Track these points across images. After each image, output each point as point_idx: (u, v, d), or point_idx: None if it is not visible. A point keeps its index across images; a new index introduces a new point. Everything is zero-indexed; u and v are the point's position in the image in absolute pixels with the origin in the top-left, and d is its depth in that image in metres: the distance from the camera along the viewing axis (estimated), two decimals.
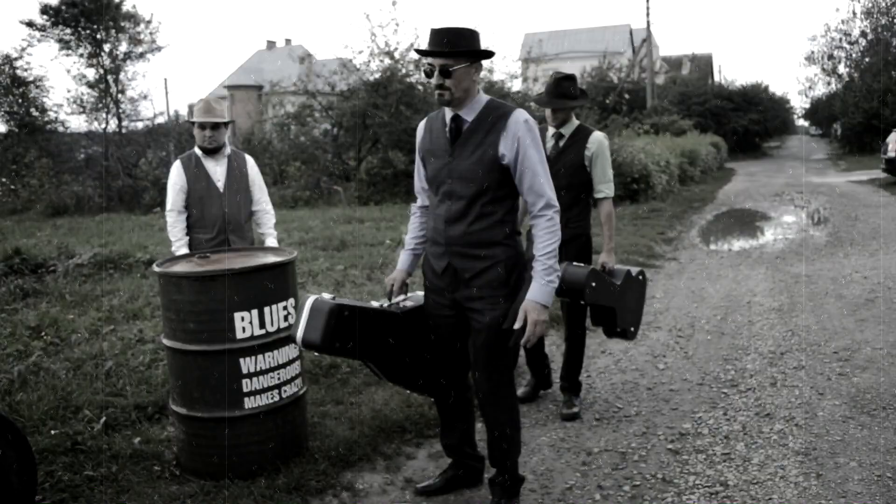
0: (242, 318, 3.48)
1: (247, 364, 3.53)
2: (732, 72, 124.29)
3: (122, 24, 24.17)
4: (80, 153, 23.22)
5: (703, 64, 53.84)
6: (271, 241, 4.81)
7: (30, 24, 23.58)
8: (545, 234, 3.04)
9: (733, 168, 25.98)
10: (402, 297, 3.36)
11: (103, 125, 23.57)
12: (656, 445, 3.98)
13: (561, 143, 4.33)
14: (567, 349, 4.49)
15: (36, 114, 23.44)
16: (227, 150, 4.74)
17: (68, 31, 23.79)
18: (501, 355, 3.13)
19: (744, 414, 4.35)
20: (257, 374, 3.56)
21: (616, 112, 27.05)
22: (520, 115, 3.01)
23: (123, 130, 23.73)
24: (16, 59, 23.61)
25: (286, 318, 3.63)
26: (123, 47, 24.39)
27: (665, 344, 5.80)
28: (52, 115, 23.88)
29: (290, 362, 3.70)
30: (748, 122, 35.75)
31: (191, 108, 26.10)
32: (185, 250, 4.53)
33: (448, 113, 3.11)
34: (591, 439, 4.08)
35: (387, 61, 18.61)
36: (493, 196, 3.05)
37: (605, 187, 4.31)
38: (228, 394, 3.52)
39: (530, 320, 2.93)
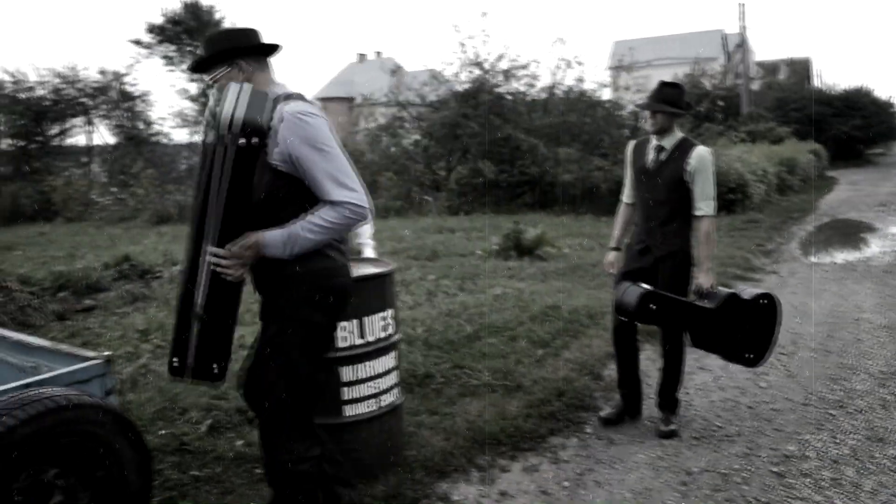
0: (343, 328, 3.56)
1: (346, 373, 3.61)
2: (833, 76, 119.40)
3: None
4: (181, 164, 24.21)
5: (801, 68, 51.94)
6: (369, 252, 4.90)
7: (137, 43, 24.84)
8: None
9: (835, 176, 24.96)
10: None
11: (203, 137, 24.44)
12: (759, 468, 3.85)
13: (662, 156, 4.25)
14: (664, 365, 4.41)
15: (142, 127, 24.62)
16: None
17: (172, 48, 24.89)
18: None
19: (853, 437, 4.17)
20: (356, 382, 3.63)
21: (710, 120, 26.40)
22: None
23: None
24: (124, 75, 24.90)
25: (385, 329, 3.70)
26: None
27: (768, 361, 5.61)
28: (156, 127, 25.04)
29: (388, 372, 3.76)
30: (850, 128, 34.21)
31: None
32: None
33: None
34: (691, 459, 3.98)
35: (476, 72, 18.71)
36: None
37: (704, 205, 4.19)
38: (329, 402, 3.60)
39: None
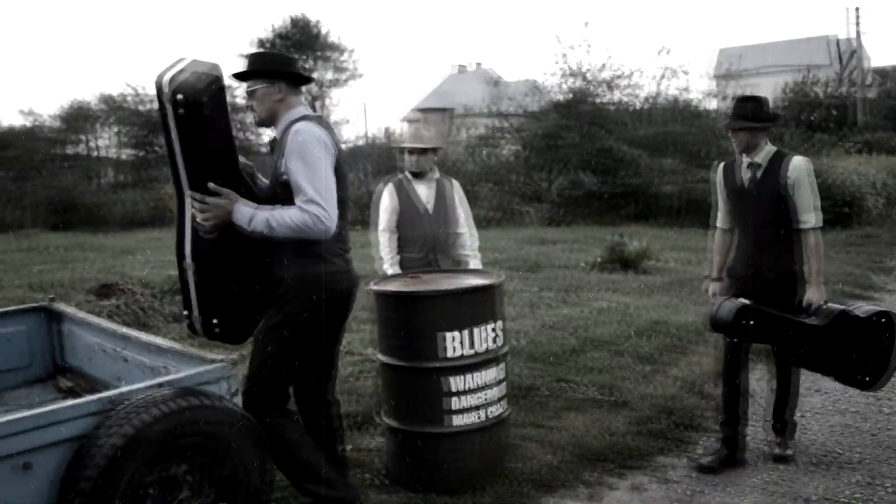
0: (452, 338, 3.60)
1: (454, 383, 3.63)
2: None
3: (328, 53, 25.82)
4: None
5: None
6: (474, 263, 4.93)
7: (244, 57, 25.83)
8: None
9: None
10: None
11: None
12: (884, 498, 3.65)
13: (758, 174, 4.04)
14: (777, 386, 4.23)
15: (252, 138, 25.56)
16: (435, 174, 4.93)
17: None
18: None
19: None
20: (464, 392, 3.65)
21: (822, 130, 25.32)
22: None
23: None
24: (236, 88, 25.92)
25: (494, 340, 3.71)
26: (328, 75, 26.04)
27: (891, 385, 5.32)
28: (265, 139, 25.94)
29: (496, 383, 3.77)
30: None
31: (386, 130, 27.28)
32: (394, 269, 4.75)
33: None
34: (808, 485, 3.81)
35: (577, 82, 18.59)
36: None
37: (810, 216, 3.96)
38: (434, 411, 3.64)
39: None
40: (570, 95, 18.40)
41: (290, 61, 3.26)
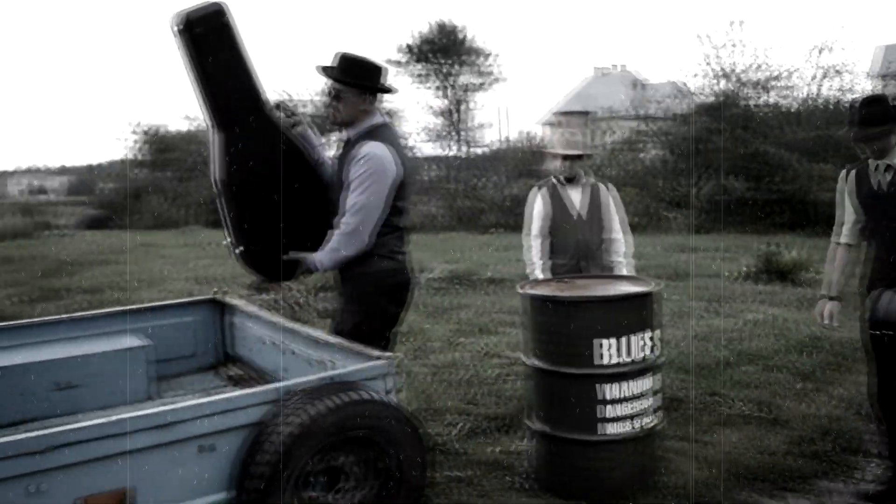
0: (606, 346, 3.55)
1: (607, 391, 3.58)
2: None
3: (470, 58, 26.12)
4: (427, 176, 25.46)
5: None
6: (623, 270, 4.84)
7: (389, 62, 26.53)
8: None
9: None
10: None
11: (447, 151, 25.66)
12: None
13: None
14: None
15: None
16: (585, 178, 4.88)
17: (420, 66, 26.30)
18: None
19: None
20: (616, 401, 3.59)
21: None
22: None
23: (465, 156, 25.58)
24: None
25: (651, 349, 3.63)
26: (470, 79, 26.34)
27: None
28: (403, 141, 26.55)
29: (651, 394, 3.68)
30: None
31: (526, 134, 27.24)
32: (545, 274, 4.73)
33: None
34: None
35: (726, 84, 17.89)
36: None
37: None
38: (585, 418, 3.60)
39: None
40: (716, 98, 17.73)
41: (379, 71, 3.46)
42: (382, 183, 3.33)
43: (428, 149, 28.54)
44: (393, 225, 3.47)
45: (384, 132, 3.45)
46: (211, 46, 3.23)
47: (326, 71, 3.45)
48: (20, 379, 3.31)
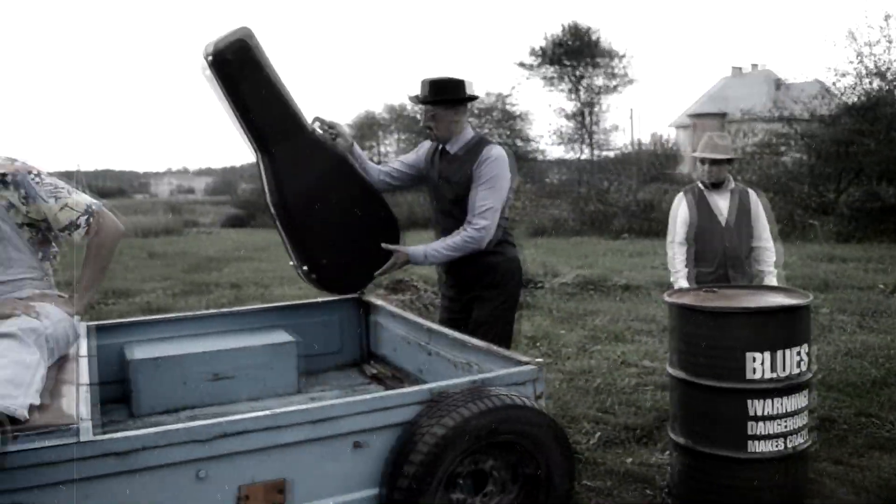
0: (755, 359, 3.39)
1: (756, 407, 3.42)
2: None
3: (600, 60, 25.75)
4: (554, 179, 25.31)
5: None
6: (771, 280, 4.62)
7: (521, 65, 26.52)
8: None
9: None
10: None
11: (577, 154, 25.41)
12: None
13: None
14: None
15: (520, 143, 26.21)
16: (731, 184, 4.70)
17: (552, 69, 26.14)
18: None
19: None
20: (765, 418, 3.42)
21: None
22: None
23: (595, 159, 25.24)
24: (507, 96, 26.75)
25: (800, 365, 3.44)
26: (600, 81, 25.97)
27: None
28: (533, 144, 26.50)
29: (800, 412, 3.49)
30: None
31: (653, 136, 26.60)
32: (684, 283, 4.59)
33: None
34: None
35: (876, 83, 16.79)
36: None
37: None
38: (733, 434, 3.45)
39: None
40: (871, 97, 16.65)
41: (463, 87, 3.68)
42: (507, 182, 3.66)
43: (556, 152, 28.33)
44: (507, 217, 3.82)
45: (496, 144, 3.75)
46: (243, 73, 3.34)
47: (417, 98, 3.73)
48: (180, 368, 3.52)
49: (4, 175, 2.67)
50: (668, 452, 4.23)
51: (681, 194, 4.80)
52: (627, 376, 5.68)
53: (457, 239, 3.58)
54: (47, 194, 2.70)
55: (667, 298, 3.79)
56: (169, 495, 2.18)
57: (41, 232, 2.81)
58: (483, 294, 3.73)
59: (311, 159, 3.55)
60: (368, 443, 2.41)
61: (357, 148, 3.89)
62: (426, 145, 3.95)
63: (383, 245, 3.63)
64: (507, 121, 26.83)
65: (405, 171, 3.97)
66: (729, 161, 4.65)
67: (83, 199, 2.78)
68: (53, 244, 2.93)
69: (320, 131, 3.72)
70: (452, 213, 3.72)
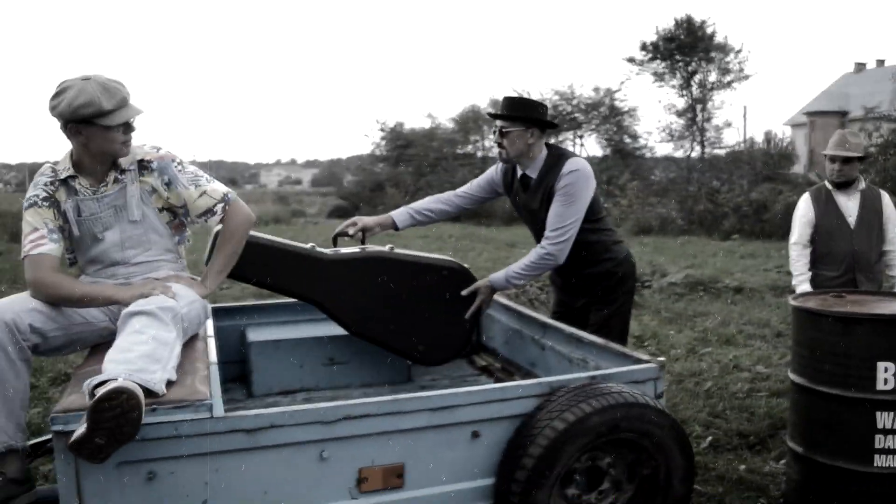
0: (886, 369, 3.21)
1: (885, 419, 3.24)
2: None
3: (713, 55, 24.94)
4: (662, 177, 24.70)
5: None
6: None
7: (630, 60, 25.97)
8: None
9: None
10: None
11: (687, 152, 24.72)
12: None
13: None
14: None
15: (628, 140, 25.70)
16: (861, 184, 4.48)
17: (663, 64, 25.49)
18: None
19: None
20: (894, 432, 3.25)
21: None
22: None
23: (705, 156, 24.50)
24: (615, 91, 26.27)
25: None
26: (713, 77, 25.16)
27: None
28: (641, 141, 25.94)
29: None
30: None
31: (767, 134, 25.59)
32: (806, 286, 4.41)
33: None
34: None
35: None
36: None
37: None
38: (858, 446, 3.29)
39: None
40: None
41: (545, 109, 3.64)
42: (588, 194, 3.53)
43: (664, 149, 27.65)
44: (607, 224, 3.81)
45: (574, 156, 3.65)
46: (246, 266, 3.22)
47: (493, 114, 3.69)
48: (298, 351, 3.63)
49: (150, 162, 2.82)
50: (783, 461, 4.08)
51: (806, 194, 4.61)
52: (740, 381, 5.50)
53: (534, 258, 3.51)
54: (188, 181, 2.83)
55: (792, 302, 3.65)
56: (293, 473, 2.26)
57: (178, 217, 2.95)
58: (602, 297, 3.69)
59: (344, 279, 3.47)
60: (485, 433, 2.42)
61: (403, 215, 3.79)
62: (496, 169, 3.84)
63: (462, 293, 3.56)
64: (614, 117, 26.37)
65: (479, 195, 3.90)
66: (860, 159, 4.43)
67: (220, 187, 2.90)
68: (187, 229, 3.07)
69: (330, 248, 3.61)
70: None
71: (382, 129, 32.92)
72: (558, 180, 3.48)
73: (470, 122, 32.00)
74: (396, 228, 3.78)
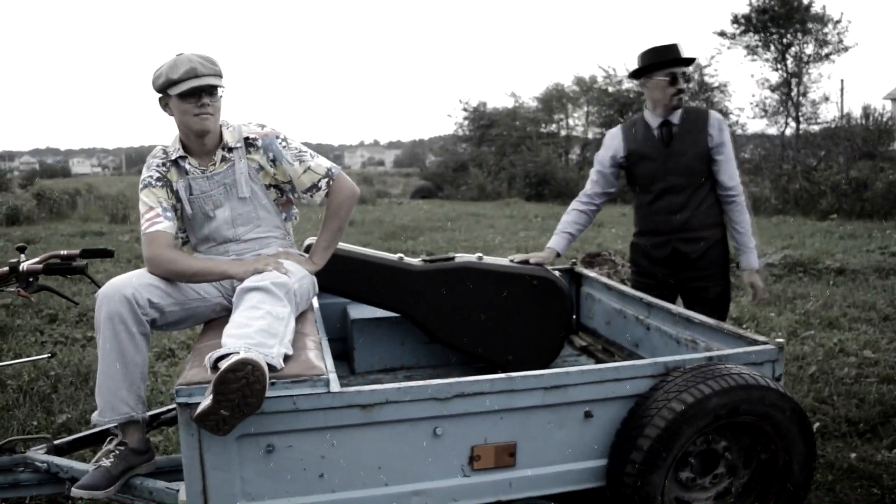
0: None
1: None
2: None
3: (810, 26, 23.84)
4: (755, 154, 23.86)
5: None
6: None
7: (721, 34, 25.07)
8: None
9: None
10: None
11: (781, 128, 23.78)
12: None
13: None
14: None
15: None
16: None
17: (756, 37, 24.51)
18: None
19: None
20: None
21: None
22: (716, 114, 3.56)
23: (800, 133, 23.54)
24: (705, 66, 25.44)
25: None
26: (809, 49, 24.08)
27: None
28: (732, 118, 25.06)
29: None
30: None
31: (865, 109, 24.38)
32: None
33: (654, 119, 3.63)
34: None
35: None
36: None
37: None
38: None
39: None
40: None
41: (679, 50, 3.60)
42: None
43: (756, 125, 26.70)
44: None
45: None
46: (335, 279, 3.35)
47: (673, 62, 3.57)
48: (399, 329, 3.66)
49: (255, 139, 2.87)
50: None
51: None
52: (846, 366, 5.27)
53: (744, 217, 3.62)
54: (293, 157, 2.87)
55: None
56: (407, 449, 2.27)
57: (285, 194, 2.99)
58: (707, 273, 3.68)
59: (433, 290, 3.47)
60: (598, 413, 2.38)
61: (562, 240, 3.78)
62: (613, 142, 3.75)
63: (748, 293, 3.52)
64: (704, 92, 25.56)
65: (609, 190, 3.82)
66: None
67: (324, 162, 2.92)
68: (294, 206, 3.11)
69: (417, 259, 3.64)
70: (683, 186, 3.59)
71: (465, 109, 32.86)
72: (719, 130, 3.55)
73: (554, 100, 31.60)
74: (559, 255, 3.78)
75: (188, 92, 2.67)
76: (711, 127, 3.55)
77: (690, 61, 3.60)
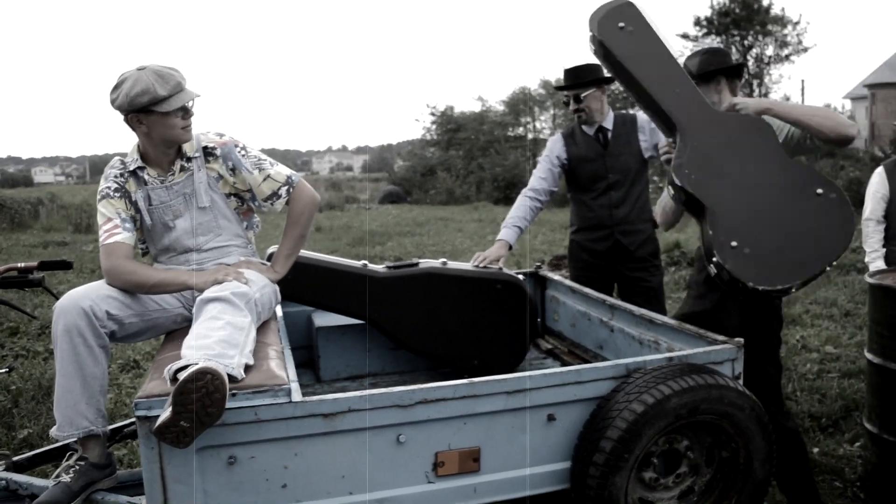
0: None
1: None
2: None
3: (770, 27, 24.27)
4: None
5: None
6: None
7: (684, 36, 25.41)
8: None
9: None
10: None
11: None
12: None
13: None
14: None
15: None
16: None
17: (718, 39, 24.89)
18: None
19: None
20: None
21: None
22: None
23: None
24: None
25: None
26: (770, 51, 24.51)
27: None
28: None
29: None
30: None
31: (833, 109, 24.81)
32: (880, 263, 4.27)
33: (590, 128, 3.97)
34: None
35: None
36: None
37: None
38: None
39: None
40: None
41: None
42: None
43: None
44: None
45: None
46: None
47: (564, 86, 3.96)
48: (364, 336, 3.65)
49: (214, 149, 2.85)
50: (857, 444, 3.98)
51: (880, 168, 4.46)
52: (809, 362, 5.37)
53: None
54: (252, 166, 2.85)
55: (868, 280, 3.54)
56: (371, 457, 2.26)
57: (245, 202, 2.97)
58: (643, 265, 4.00)
59: (397, 296, 3.45)
60: (561, 416, 2.40)
61: (512, 233, 3.89)
62: (556, 146, 4.05)
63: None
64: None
65: (553, 189, 4.05)
66: None
67: (284, 170, 2.91)
68: (256, 215, 3.09)
69: (381, 265, 3.64)
70: (622, 183, 3.93)
71: (433, 114, 32.92)
72: (652, 131, 3.83)
73: (520, 103, 31.77)
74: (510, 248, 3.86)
75: (178, 106, 2.66)
76: (641, 130, 3.91)
77: (598, 82, 3.87)
